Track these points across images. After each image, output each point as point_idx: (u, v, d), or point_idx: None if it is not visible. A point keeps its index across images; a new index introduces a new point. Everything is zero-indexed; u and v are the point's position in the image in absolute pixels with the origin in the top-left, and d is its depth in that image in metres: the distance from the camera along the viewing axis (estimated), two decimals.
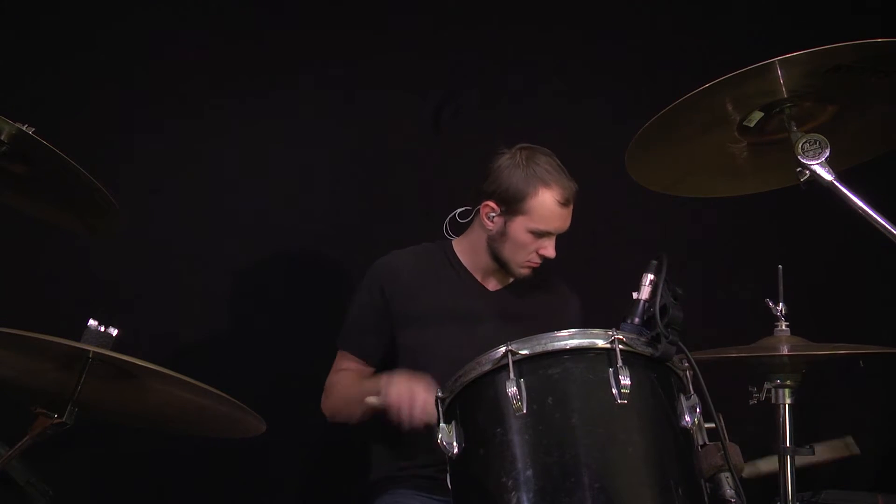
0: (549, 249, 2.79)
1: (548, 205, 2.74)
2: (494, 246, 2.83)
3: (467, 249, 2.91)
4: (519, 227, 2.77)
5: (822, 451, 2.91)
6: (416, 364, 2.78)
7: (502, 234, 2.80)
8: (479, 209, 2.83)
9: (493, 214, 2.79)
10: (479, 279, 2.90)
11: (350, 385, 2.82)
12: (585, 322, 2.91)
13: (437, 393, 2.20)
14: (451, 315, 2.84)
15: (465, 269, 2.90)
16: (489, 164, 2.81)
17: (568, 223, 2.80)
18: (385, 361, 2.87)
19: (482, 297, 2.89)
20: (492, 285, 2.91)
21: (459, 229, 2.95)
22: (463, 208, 2.90)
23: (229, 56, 3.32)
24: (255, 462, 3.26)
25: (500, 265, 2.85)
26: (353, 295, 2.93)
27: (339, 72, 3.42)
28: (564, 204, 2.76)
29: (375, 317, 2.86)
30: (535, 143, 2.84)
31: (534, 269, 2.84)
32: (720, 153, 2.24)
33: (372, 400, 2.61)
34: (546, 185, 2.74)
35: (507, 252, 2.81)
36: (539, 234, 2.77)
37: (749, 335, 2.72)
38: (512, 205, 2.76)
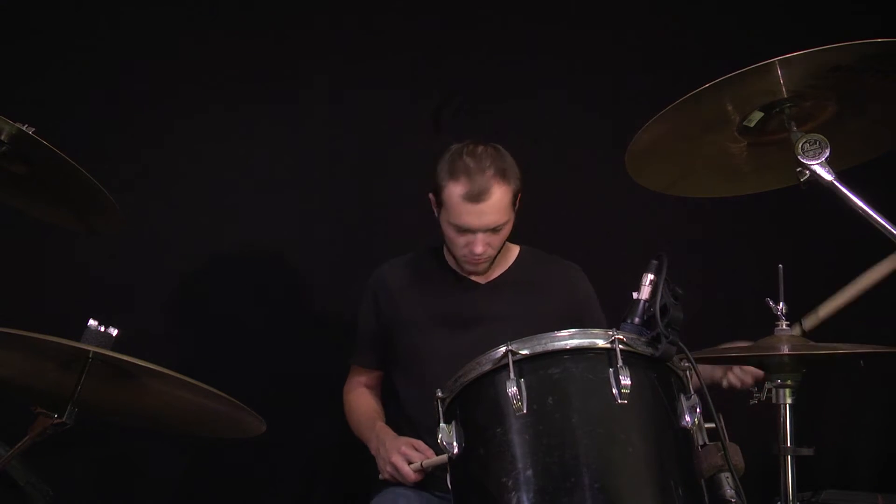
0: (473, 245, 2.73)
1: (453, 199, 2.70)
2: (443, 240, 2.85)
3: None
4: (444, 220, 2.77)
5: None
6: (412, 368, 2.82)
7: (441, 226, 2.81)
8: None
9: (434, 207, 2.81)
10: (466, 275, 2.90)
11: (355, 418, 2.94)
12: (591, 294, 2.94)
13: (438, 393, 2.21)
14: (443, 317, 2.85)
15: (451, 268, 2.91)
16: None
17: (486, 220, 2.70)
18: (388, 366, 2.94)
19: (473, 293, 2.88)
20: (482, 278, 2.90)
21: None
22: None
23: (229, 56, 3.32)
24: (255, 462, 3.26)
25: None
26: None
27: (339, 72, 3.42)
28: (470, 199, 2.68)
29: (372, 329, 2.93)
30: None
31: (483, 264, 2.80)
32: (720, 153, 2.24)
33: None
34: (454, 178, 2.70)
35: (448, 246, 2.83)
36: (458, 230, 2.73)
37: (749, 335, 2.71)
38: (437, 197, 2.77)
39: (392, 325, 2.88)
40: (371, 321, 2.93)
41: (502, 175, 2.70)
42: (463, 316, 2.84)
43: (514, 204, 2.75)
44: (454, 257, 2.84)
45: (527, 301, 2.87)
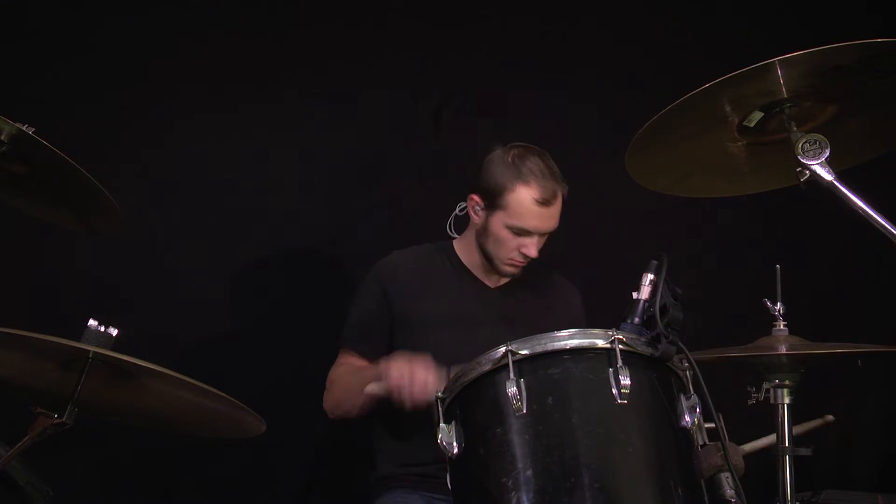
0: (529, 249, 2.77)
1: (524, 202, 2.73)
2: (480, 241, 2.85)
3: (466, 247, 2.92)
4: (498, 222, 2.77)
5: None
6: None
7: (485, 228, 2.81)
8: (467, 203, 2.86)
9: (478, 208, 2.82)
10: (479, 276, 2.91)
11: (350, 376, 2.82)
12: (587, 317, 2.96)
13: (437, 393, 2.20)
14: (451, 315, 2.84)
15: (465, 267, 2.91)
16: (482, 159, 2.83)
17: (550, 224, 2.78)
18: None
19: (482, 295, 2.89)
20: (492, 282, 2.92)
21: (461, 229, 2.96)
22: (463, 203, 2.92)
23: (229, 56, 3.32)
24: (255, 462, 3.26)
25: (488, 261, 2.86)
26: (353, 295, 2.94)
27: (339, 72, 3.43)
28: (542, 203, 2.74)
29: (375, 318, 2.88)
30: (535, 144, 2.85)
31: (522, 267, 2.83)
32: (720, 153, 2.24)
33: (372, 388, 2.61)
34: (525, 182, 2.73)
35: (491, 247, 2.82)
36: (517, 232, 2.76)
37: (748, 335, 2.72)
38: (492, 199, 2.77)
39: (402, 319, 2.84)
40: (374, 311, 2.88)
41: (561, 179, 2.78)
42: (476, 317, 2.84)
43: None
44: (492, 258, 2.83)
45: (535, 308, 2.89)
